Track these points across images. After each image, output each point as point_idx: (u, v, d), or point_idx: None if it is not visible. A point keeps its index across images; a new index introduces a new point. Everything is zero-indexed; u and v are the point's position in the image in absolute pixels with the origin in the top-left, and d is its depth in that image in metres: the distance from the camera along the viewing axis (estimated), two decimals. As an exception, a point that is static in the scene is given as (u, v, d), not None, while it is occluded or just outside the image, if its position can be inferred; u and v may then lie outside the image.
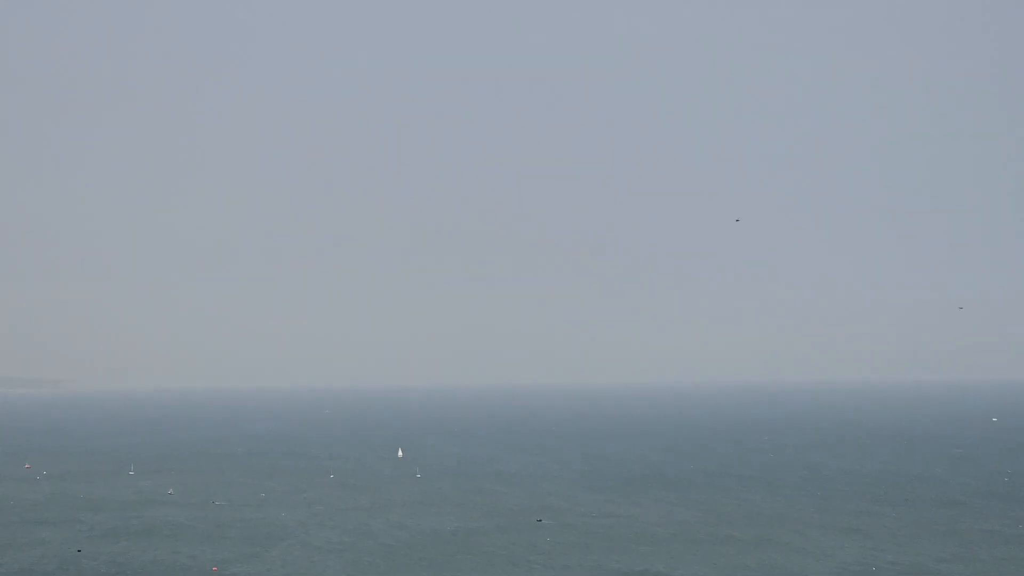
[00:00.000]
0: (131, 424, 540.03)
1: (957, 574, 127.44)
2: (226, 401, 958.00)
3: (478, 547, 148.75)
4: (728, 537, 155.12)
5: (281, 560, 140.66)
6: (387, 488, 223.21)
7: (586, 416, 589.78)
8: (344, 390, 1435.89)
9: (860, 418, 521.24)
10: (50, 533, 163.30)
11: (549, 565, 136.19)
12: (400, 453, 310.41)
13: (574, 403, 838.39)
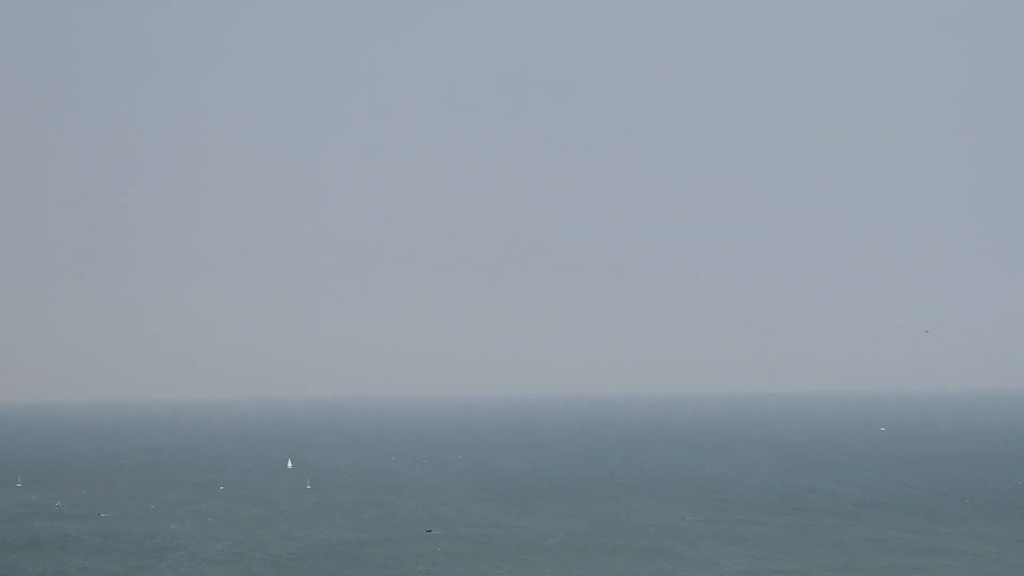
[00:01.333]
0: (20, 437, 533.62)
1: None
2: (118, 414, 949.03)
3: (368, 558, 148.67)
4: (618, 547, 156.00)
5: (171, 572, 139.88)
6: (277, 499, 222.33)
7: (483, 428, 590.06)
8: (232, 401, 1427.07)
9: (751, 429, 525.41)
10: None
11: (438, 575, 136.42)
12: (289, 464, 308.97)
13: (472, 414, 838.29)
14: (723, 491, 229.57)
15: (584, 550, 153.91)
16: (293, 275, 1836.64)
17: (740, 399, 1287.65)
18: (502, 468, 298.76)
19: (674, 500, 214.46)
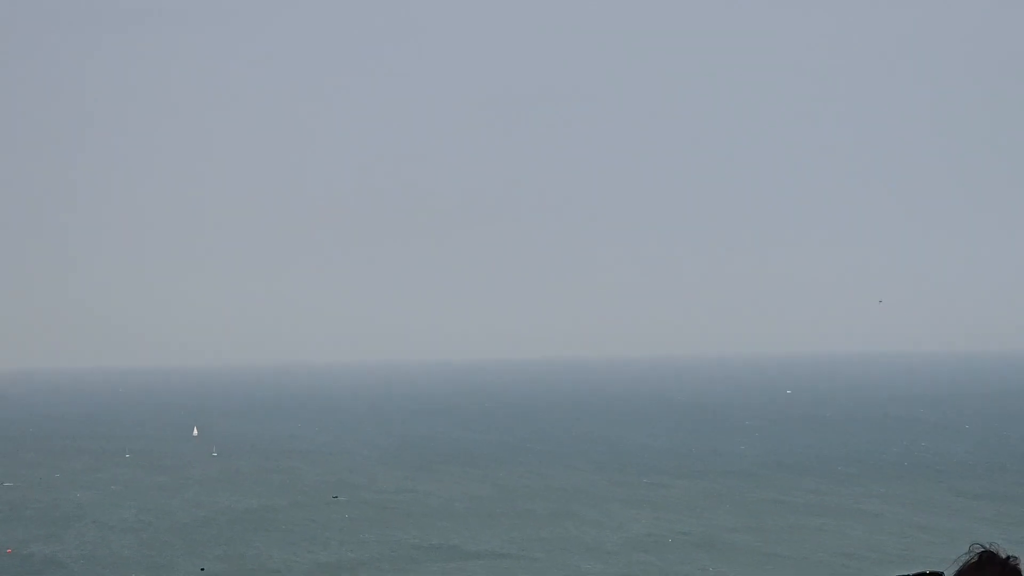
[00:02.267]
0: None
1: (745, 543, 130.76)
2: (22, 382, 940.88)
3: (274, 524, 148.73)
4: (525, 511, 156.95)
5: (77, 540, 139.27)
6: (184, 467, 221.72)
7: (395, 393, 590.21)
8: (141, 368, 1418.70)
9: (662, 393, 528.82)
10: None
11: (345, 541, 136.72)
12: (196, 431, 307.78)
13: (386, 380, 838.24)
14: (630, 455, 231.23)
15: (491, 514, 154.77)
16: (208, 239, 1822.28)
17: (655, 363, 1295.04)
18: (411, 434, 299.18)
19: (581, 464, 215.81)
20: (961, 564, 12.78)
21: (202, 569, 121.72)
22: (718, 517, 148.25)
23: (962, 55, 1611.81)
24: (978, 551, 12.77)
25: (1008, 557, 12.64)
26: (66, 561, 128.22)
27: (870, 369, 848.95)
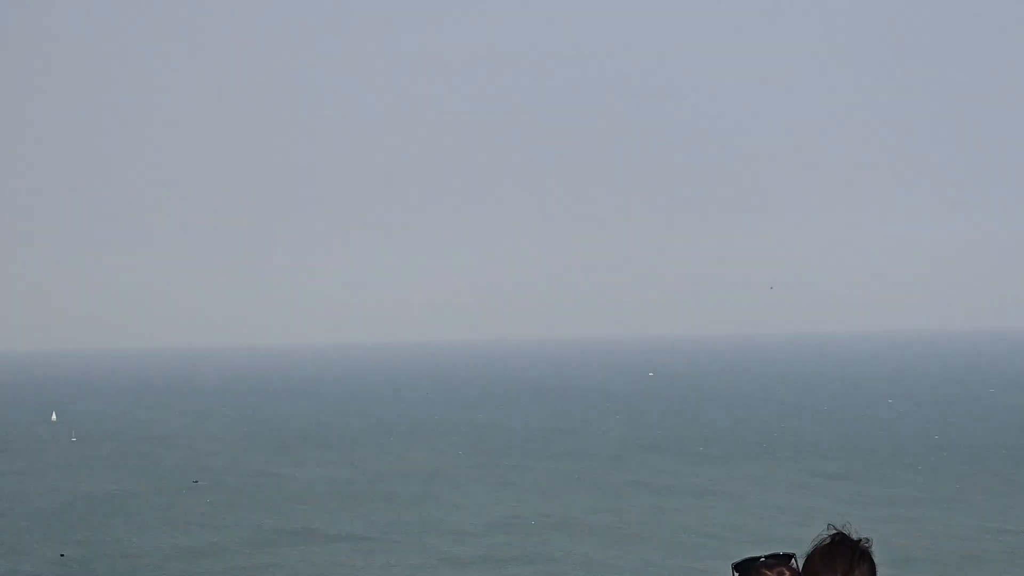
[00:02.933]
0: None
1: (605, 523, 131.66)
2: None
3: (133, 509, 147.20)
4: (387, 494, 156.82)
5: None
6: (41, 452, 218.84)
7: (256, 376, 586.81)
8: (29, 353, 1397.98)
9: (526, 374, 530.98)
10: None
11: (205, 525, 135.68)
12: (54, 416, 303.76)
13: (246, 363, 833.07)
14: (492, 437, 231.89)
15: (352, 497, 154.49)
16: (70, 222, 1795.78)
17: (516, 346, 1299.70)
18: (270, 417, 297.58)
19: (443, 446, 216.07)
20: (815, 544, 13.07)
21: (62, 555, 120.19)
22: (580, 499, 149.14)
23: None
24: (831, 532, 13.01)
25: (860, 539, 12.89)
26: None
27: (740, 352, 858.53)
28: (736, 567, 12.75)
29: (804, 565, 12.58)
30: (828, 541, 12.57)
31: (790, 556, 12.71)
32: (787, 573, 12.57)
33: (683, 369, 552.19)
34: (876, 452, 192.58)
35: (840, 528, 12.61)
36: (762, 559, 12.69)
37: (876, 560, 12.52)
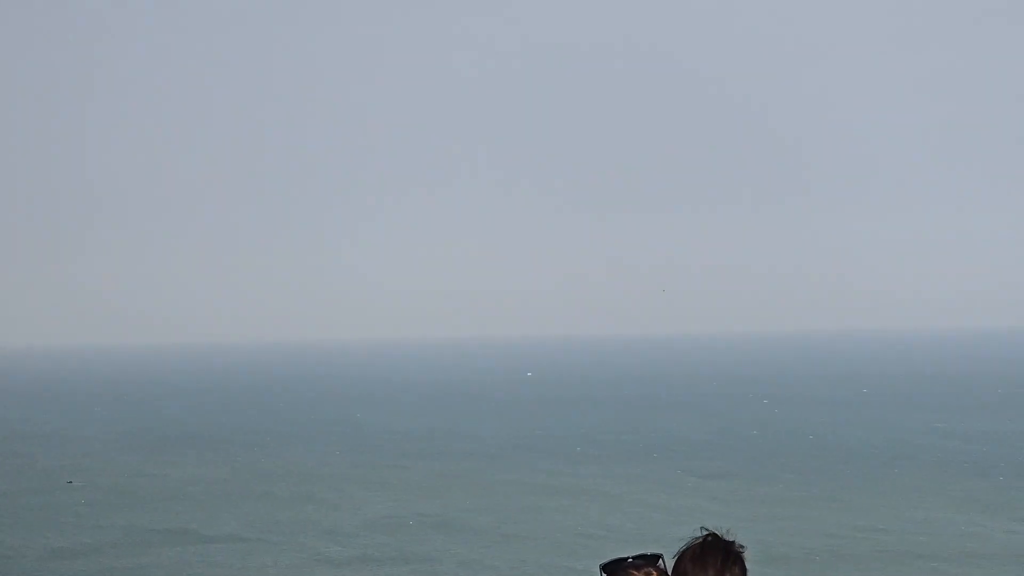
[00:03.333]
0: None
1: (479, 522, 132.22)
2: None
3: (5, 510, 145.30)
4: (264, 494, 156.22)
5: None
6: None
7: (133, 377, 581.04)
8: None
9: (402, 373, 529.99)
10: None
11: (80, 526, 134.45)
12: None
13: (124, 363, 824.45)
14: (370, 437, 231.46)
15: (229, 496, 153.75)
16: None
17: (397, 345, 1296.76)
18: (148, 417, 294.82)
19: (321, 446, 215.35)
20: (686, 545, 13.09)
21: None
22: (456, 498, 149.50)
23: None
24: (704, 534, 13.08)
25: (732, 542, 12.94)
26: None
27: (624, 351, 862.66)
28: (604, 567, 12.95)
29: (674, 566, 12.75)
30: (700, 542, 12.72)
31: (657, 556, 12.92)
32: (654, 573, 12.79)
33: (563, 369, 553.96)
34: (752, 451, 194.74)
35: (713, 530, 12.80)
36: (629, 559, 12.90)
37: (749, 560, 12.67)
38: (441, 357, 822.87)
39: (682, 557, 12.73)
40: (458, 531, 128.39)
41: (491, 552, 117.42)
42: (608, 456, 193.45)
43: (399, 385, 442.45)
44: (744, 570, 12.63)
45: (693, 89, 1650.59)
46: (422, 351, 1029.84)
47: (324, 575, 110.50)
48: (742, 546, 12.77)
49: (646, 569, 12.80)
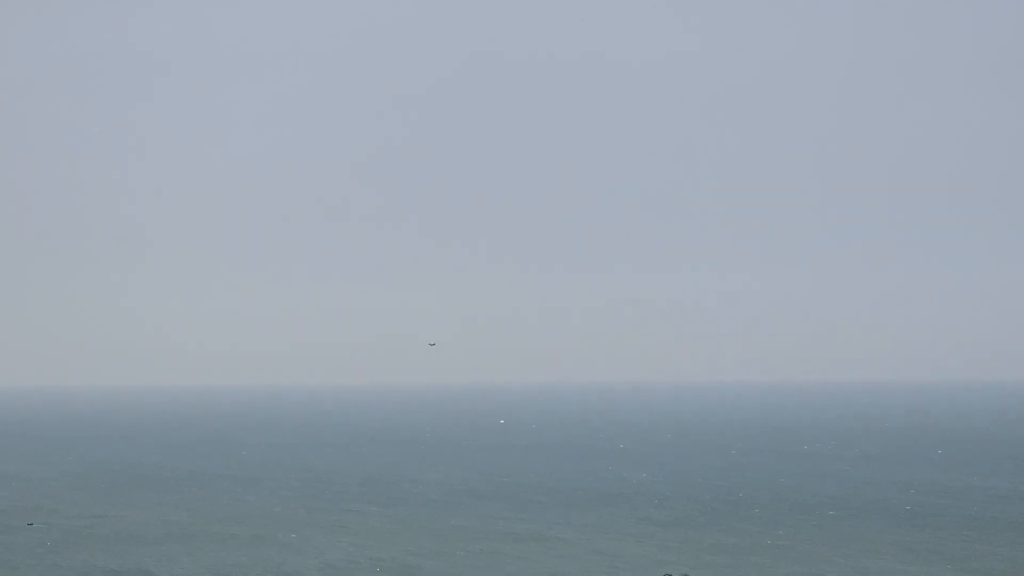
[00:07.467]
0: None
1: (438, 568, 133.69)
2: None
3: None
4: (223, 535, 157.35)
5: None
6: None
7: (87, 418, 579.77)
8: None
9: (361, 419, 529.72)
10: None
11: (38, 566, 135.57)
12: None
13: (77, 405, 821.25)
14: (328, 482, 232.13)
15: (188, 538, 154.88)
16: None
17: (359, 390, 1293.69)
18: (106, 459, 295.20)
19: (280, 490, 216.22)
20: None
21: None
22: (412, 543, 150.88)
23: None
24: None
25: None
26: None
27: (593, 399, 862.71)
28: None
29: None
30: None
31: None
32: None
33: (535, 417, 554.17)
34: (708, 500, 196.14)
35: None
36: None
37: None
38: (400, 402, 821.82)
39: None
40: None
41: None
42: (561, 503, 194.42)
43: (351, 431, 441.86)
44: None
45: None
46: (371, 396, 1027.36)
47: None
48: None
49: None
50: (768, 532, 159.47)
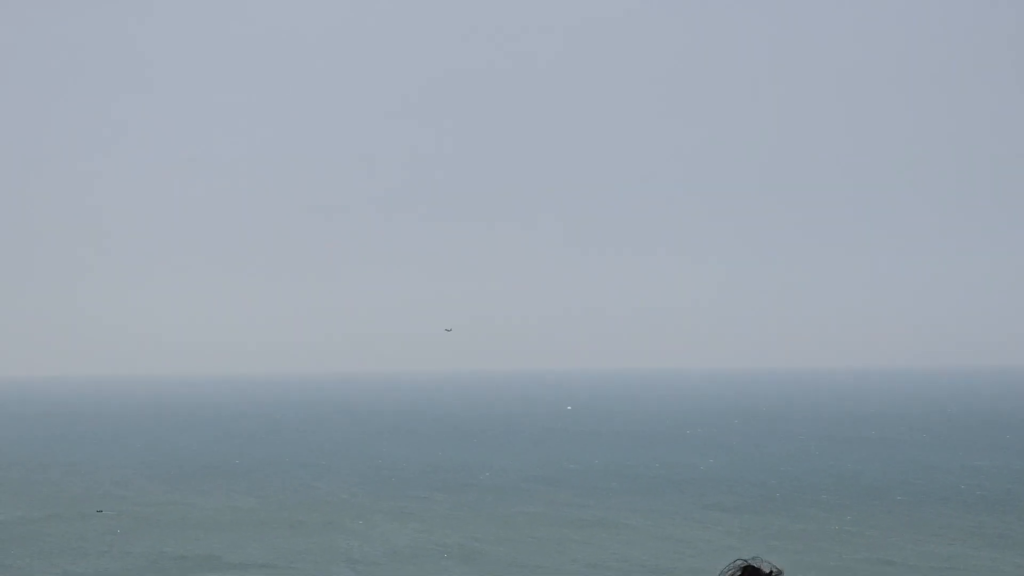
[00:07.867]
0: None
1: (502, 554, 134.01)
2: None
3: (35, 537, 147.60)
4: (292, 522, 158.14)
5: None
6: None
7: (158, 405, 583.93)
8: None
9: (427, 406, 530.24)
10: None
11: (108, 553, 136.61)
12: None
13: (149, 392, 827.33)
14: (395, 469, 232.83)
15: (256, 526, 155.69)
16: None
17: (425, 377, 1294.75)
18: (175, 447, 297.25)
19: (348, 477, 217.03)
20: None
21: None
22: (478, 529, 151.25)
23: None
24: (741, 565, 13.21)
25: (771, 571, 13.13)
26: None
27: (665, 386, 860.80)
28: None
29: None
30: (738, 574, 13.17)
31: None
32: None
33: (601, 404, 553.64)
34: (775, 486, 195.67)
35: (750, 561, 13.27)
36: None
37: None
38: (477, 389, 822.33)
39: None
40: (477, 561, 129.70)
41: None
42: (628, 489, 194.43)
43: (415, 417, 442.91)
44: None
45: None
46: (440, 383, 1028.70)
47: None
48: (779, 571, 13.18)
49: None
50: (836, 518, 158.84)
